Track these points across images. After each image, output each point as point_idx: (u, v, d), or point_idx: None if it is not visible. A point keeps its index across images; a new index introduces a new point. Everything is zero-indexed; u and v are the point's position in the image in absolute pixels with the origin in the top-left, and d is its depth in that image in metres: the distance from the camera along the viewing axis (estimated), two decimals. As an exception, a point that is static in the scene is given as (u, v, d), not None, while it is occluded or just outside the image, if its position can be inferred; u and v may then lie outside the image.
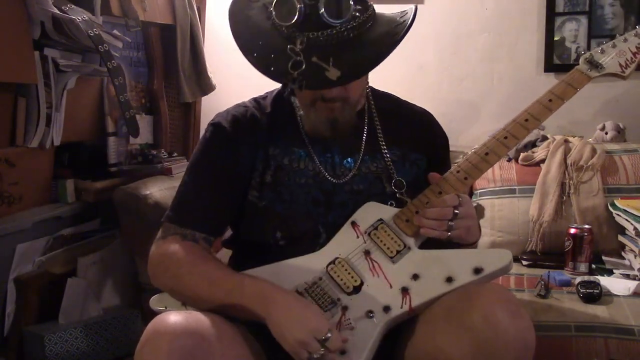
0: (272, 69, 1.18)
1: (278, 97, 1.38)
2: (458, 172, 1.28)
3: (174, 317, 1.09)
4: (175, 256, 1.23)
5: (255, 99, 1.39)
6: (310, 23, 1.16)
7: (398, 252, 1.23)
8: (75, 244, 2.12)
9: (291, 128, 1.34)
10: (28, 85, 1.88)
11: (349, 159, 1.34)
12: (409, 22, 1.21)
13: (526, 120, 1.32)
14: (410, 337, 1.20)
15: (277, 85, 1.40)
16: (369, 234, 1.26)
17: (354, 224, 1.27)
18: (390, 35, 1.20)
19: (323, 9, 1.15)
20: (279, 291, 1.18)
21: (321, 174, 1.31)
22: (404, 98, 1.48)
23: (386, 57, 1.18)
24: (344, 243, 1.26)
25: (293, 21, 1.16)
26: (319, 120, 1.26)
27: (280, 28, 1.19)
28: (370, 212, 1.28)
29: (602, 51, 1.40)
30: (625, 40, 1.41)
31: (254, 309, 1.16)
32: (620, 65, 1.38)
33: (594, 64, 1.37)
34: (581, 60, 1.39)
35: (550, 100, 1.33)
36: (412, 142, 1.38)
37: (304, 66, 1.14)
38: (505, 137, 1.30)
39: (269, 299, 1.16)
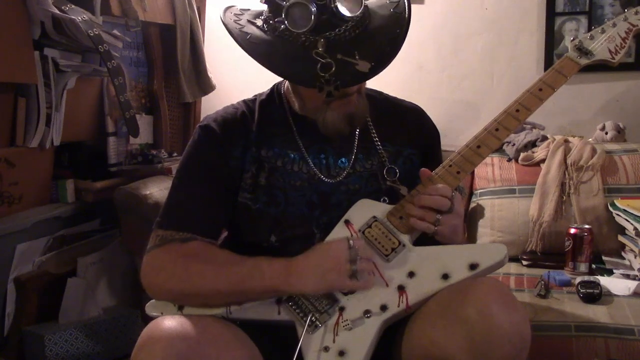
0: (302, 76, 1.19)
1: (268, 100, 1.37)
2: (450, 166, 1.27)
3: (169, 322, 1.09)
4: (180, 260, 1.21)
5: (244, 101, 1.38)
6: (323, 24, 1.17)
7: (393, 249, 1.22)
8: (75, 244, 2.13)
9: (283, 131, 1.33)
10: (28, 85, 1.89)
11: (343, 159, 1.33)
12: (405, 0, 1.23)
13: (517, 110, 1.30)
14: (406, 333, 1.20)
15: (270, 85, 1.41)
16: (363, 232, 1.25)
17: (347, 222, 1.27)
18: (394, 17, 1.22)
19: (338, 4, 1.16)
20: (294, 259, 1.20)
21: (316, 176, 1.31)
22: (403, 98, 1.47)
23: (404, 37, 1.19)
24: None
25: (309, 26, 1.16)
26: (338, 119, 1.25)
27: (293, 36, 1.18)
28: (364, 210, 1.27)
29: (592, 37, 1.36)
30: (614, 25, 1.37)
31: (276, 285, 1.17)
32: (610, 51, 1.35)
33: (583, 51, 1.34)
34: (570, 46, 1.36)
35: (540, 90, 1.31)
36: (405, 138, 1.38)
37: (334, 67, 1.14)
38: (497, 129, 1.29)
39: (288, 269, 1.18)
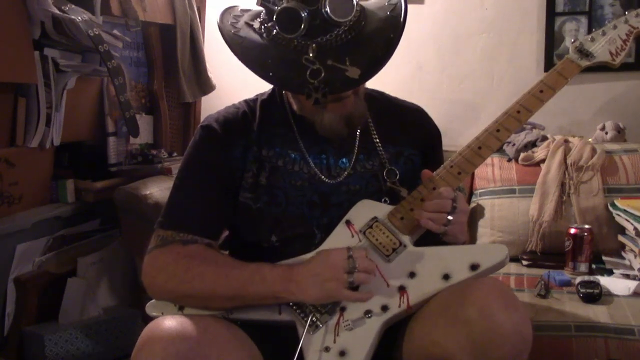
0: (292, 83, 1.18)
1: (269, 100, 1.37)
2: (451, 167, 1.27)
3: (169, 322, 1.09)
4: (181, 261, 1.21)
5: (246, 101, 1.38)
6: (316, 28, 1.16)
7: (394, 250, 1.22)
8: (75, 244, 2.13)
9: (284, 131, 1.33)
10: (28, 85, 1.89)
11: (344, 159, 1.33)
12: (402, 2, 1.21)
13: (518, 112, 1.30)
14: (407, 333, 1.20)
15: (270, 85, 1.40)
16: (364, 233, 1.25)
17: (348, 223, 1.27)
18: (390, 20, 1.20)
19: (329, 10, 1.15)
20: (296, 265, 1.20)
21: (316, 176, 1.30)
22: (403, 98, 1.47)
23: (398, 41, 1.18)
24: (339, 243, 1.24)
25: (300, 31, 1.15)
26: (335, 120, 1.25)
27: (285, 41, 1.17)
28: (364, 211, 1.27)
29: (592, 39, 1.37)
30: (615, 27, 1.37)
31: (277, 291, 1.17)
32: (611, 53, 1.35)
33: (584, 53, 1.35)
34: (571, 48, 1.36)
35: (541, 91, 1.31)
36: (406, 139, 1.38)
37: (323, 73, 1.13)
38: (498, 130, 1.30)
39: (289, 276, 1.17)
